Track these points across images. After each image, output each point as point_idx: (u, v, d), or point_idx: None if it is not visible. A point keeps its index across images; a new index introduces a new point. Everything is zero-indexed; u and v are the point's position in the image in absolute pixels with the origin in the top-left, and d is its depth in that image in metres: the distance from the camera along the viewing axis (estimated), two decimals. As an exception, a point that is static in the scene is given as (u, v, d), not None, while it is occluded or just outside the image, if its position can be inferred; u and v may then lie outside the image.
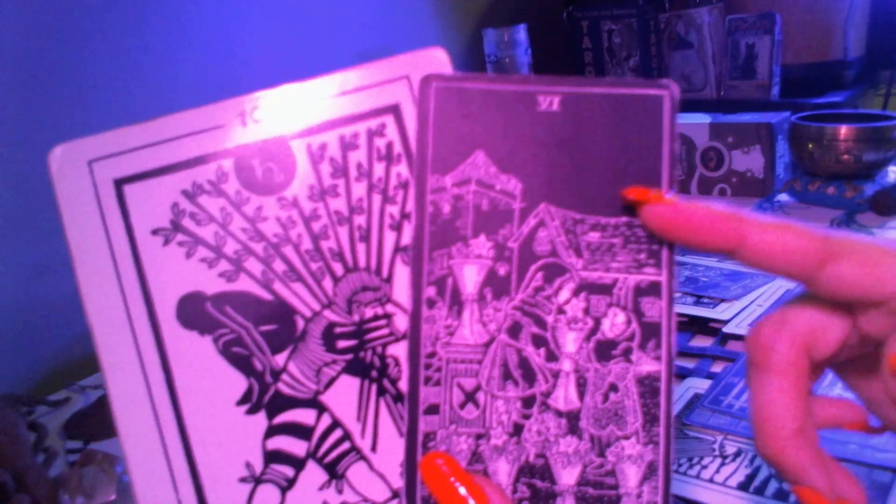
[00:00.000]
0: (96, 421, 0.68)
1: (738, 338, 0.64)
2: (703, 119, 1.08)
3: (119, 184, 0.20)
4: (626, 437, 0.22)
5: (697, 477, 0.48)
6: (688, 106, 1.25)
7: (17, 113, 0.78)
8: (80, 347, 0.85)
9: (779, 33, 1.19)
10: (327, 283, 0.21)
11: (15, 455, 0.53)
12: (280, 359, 0.20)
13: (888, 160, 1.02)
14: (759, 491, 0.46)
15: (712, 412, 0.54)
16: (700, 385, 0.58)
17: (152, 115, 0.92)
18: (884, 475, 0.46)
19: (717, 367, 0.61)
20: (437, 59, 0.22)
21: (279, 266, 0.21)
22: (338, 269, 0.21)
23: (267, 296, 0.20)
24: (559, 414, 0.22)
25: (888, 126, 0.99)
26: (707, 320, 0.68)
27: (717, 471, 0.48)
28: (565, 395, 0.22)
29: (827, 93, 1.22)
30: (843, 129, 1.00)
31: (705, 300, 0.72)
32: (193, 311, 0.19)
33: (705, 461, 0.49)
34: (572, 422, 0.22)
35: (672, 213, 0.22)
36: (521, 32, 1.13)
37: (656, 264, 0.23)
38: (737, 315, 0.68)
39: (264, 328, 0.20)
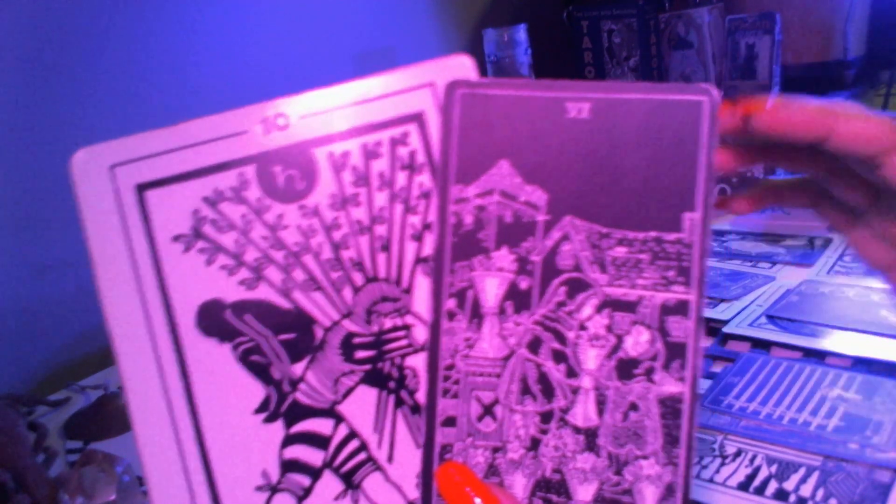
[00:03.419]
0: (96, 421, 0.68)
1: (738, 338, 0.64)
2: (703, 119, 1.08)
3: (141, 189, 0.19)
4: (645, 457, 0.22)
5: (697, 477, 0.48)
6: (688, 106, 1.25)
7: (17, 114, 0.78)
8: (80, 347, 0.85)
9: (779, 33, 1.19)
10: (347, 293, 0.21)
11: (15, 455, 0.53)
12: (298, 368, 0.20)
13: (888, 160, 1.02)
14: (759, 491, 0.46)
15: (712, 412, 0.54)
16: (700, 385, 0.58)
17: (153, 115, 0.92)
18: (884, 475, 0.46)
19: (717, 367, 0.61)
20: (463, 66, 0.21)
21: (299, 275, 0.21)
22: (357, 279, 0.21)
23: (286, 304, 0.20)
24: (577, 430, 0.22)
25: (888, 126, 0.99)
26: (707, 320, 0.68)
27: (717, 471, 0.48)
28: (584, 412, 0.22)
29: (827, 93, 1.22)
30: (843, 129, 1.00)
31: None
32: (213, 319, 0.19)
33: (705, 461, 0.49)
34: (590, 439, 0.22)
35: (773, 116, 0.25)
36: (521, 32, 1.13)
37: (686, 283, 0.22)
38: (737, 315, 0.68)
39: (283, 337, 0.20)
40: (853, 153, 0.26)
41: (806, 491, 0.46)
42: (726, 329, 0.65)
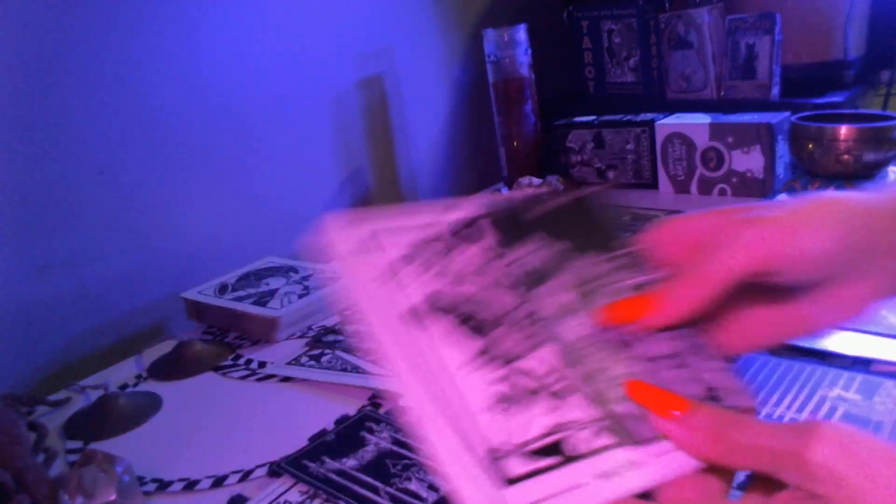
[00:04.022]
0: (96, 421, 0.68)
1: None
2: (703, 119, 1.08)
3: (372, 234, 0.33)
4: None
5: (697, 477, 0.48)
6: (688, 106, 1.25)
7: (17, 114, 0.78)
8: (80, 347, 0.85)
9: (779, 33, 1.19)
10: (507, 297, 0.34)
11: (15, 455, 0.53)
12: (496, 333, 0.33)
13: (888, 160, 1.02)
14: (759, 491, 0.46)
15: (712, 412, 0.54)
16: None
17: (153, 115, 0.91)
18: (883, 475, 0.46)
19: (716, 367, 0.61)
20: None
21: (481, 281, 0.34)
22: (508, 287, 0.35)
23: (479, 296, 0.34)
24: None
25: (888, 126, 0.99)
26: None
27: (717, 471, 0.48)
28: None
29: (827, 93, 1.22)
30: (843, 129, 1.00)
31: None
32: (436, 304, 0.32)
33: (705, 461, 0.49)
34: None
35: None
36: (521, 32, 1.13)
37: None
38: (737, 315, 0.67)
39: (478, 315, 0.33)
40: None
41: (805, 491, 0.45)
42: (726, 329, 0.65)
